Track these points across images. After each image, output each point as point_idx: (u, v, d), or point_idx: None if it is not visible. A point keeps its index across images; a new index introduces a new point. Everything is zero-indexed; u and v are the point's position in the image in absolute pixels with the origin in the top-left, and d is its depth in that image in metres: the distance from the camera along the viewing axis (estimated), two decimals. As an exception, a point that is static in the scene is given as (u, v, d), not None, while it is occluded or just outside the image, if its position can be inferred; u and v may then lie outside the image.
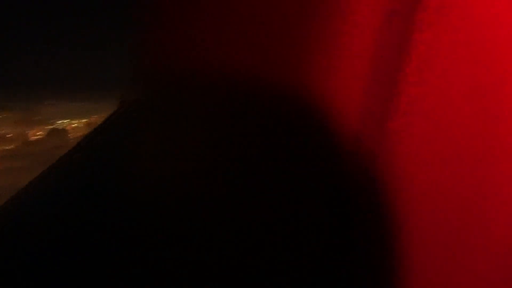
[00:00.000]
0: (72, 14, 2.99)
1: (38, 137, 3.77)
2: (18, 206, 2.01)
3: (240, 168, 1.15)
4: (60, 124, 3.72)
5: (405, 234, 1.05)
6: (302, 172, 1.07)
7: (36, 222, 1.81)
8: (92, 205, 1.83)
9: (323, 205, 1.15)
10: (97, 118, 3.20)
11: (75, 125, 3.67)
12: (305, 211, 1.11)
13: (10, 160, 3.63)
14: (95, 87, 2.96)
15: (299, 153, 1.09)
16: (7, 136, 3.74)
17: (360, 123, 1.04)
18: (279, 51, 1.01)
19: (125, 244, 1.19)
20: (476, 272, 1.12)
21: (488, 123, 1.07)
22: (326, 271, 1.08)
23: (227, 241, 1.06)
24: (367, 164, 1.01)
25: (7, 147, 3.65)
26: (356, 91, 1.08)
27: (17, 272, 1.35)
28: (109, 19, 2.87)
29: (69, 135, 3.63)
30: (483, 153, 1.08)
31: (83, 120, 3.59)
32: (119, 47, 2.93)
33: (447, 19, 1.03)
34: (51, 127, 3.73)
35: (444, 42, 1.05)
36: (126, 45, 2.92)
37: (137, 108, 2.32)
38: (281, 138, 1.11)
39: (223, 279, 1.04)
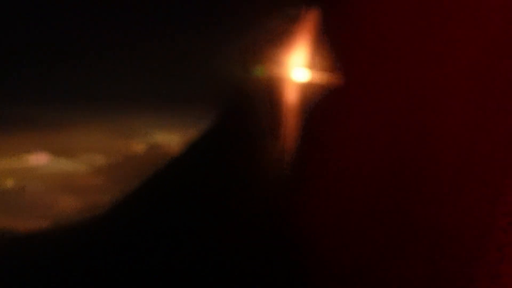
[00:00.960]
0: (167, 25, 3.21)
1: (135, 150, 3.96)
2: (122, 214, 2.29)
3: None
4: (157, 136, 3.91)
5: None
6: None
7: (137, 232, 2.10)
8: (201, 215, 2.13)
9: None
10: (191, 131, 3.40)
11: (171, 137, 3.85)
12: None
13: (109, 174, 3.82)
14: (190, 99, 3.16)
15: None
16: (105, 149, 3.96)
17: None
18: None
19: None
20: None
21: None
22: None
23: None
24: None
25: (105, 160, 3.85)
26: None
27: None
28: (208, 31, 3.07)
29: (165, 147, 3.81)
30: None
31: (178, 133, 3.78)
32: (211, 60, 3.14)
33: None
34: (148, 139, 3.92)
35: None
36: (219, 58, 3.13)
37: (234, 121, 2.57)
38: None
39: None
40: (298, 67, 3.26)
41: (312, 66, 3.22)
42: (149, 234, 2.62)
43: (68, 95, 3.56)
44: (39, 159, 3.67)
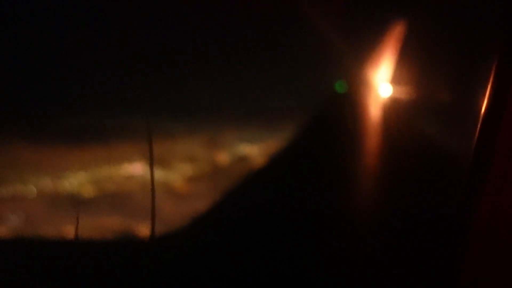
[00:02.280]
0: (257, 41, 3.34)
1: (224, 161, 4.14)
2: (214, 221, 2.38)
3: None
4: (242, 148, 4.08)
5: None
6: None
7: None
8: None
9: None
10: (273, 142, 3.54)
11: (255, 148, 4.00)
12: None
13: (198, 184, 4.02)
14: (275, 112, 3.30)
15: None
16: (195, 159, 4.17)
17: None
18: None
19: None
20: None
21: None
22: None
23: None
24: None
25: (195, 171, 4.06)
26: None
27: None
28: (294, 45, 3.19)
29: (250, 158, 3.97)
30: None
31: (263, 145, 3.93)
32: (297, 73, 3.26)
33: None
34: (233, 151, 4.09)
35: None
36: (304, 71, 3.25)
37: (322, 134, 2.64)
38: None
39: None
40: (385, 82, 3.27)
41: (399, 81, 3.22)
42: (237, 244, 2.72)
43: (164, 107, 3.79)
44: (136, 168, 3.90)
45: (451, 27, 2.90)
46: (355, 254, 2.44)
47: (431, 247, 2.64)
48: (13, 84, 3.65)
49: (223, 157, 4.59)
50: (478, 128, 2.70)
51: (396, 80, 3.08)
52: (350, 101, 3.26)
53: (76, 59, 3.70)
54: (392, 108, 3.18)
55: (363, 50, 3.17)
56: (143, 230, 3.82)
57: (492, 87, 2.43)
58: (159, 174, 4.26)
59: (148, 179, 4.18)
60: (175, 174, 4.51)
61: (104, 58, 3.67)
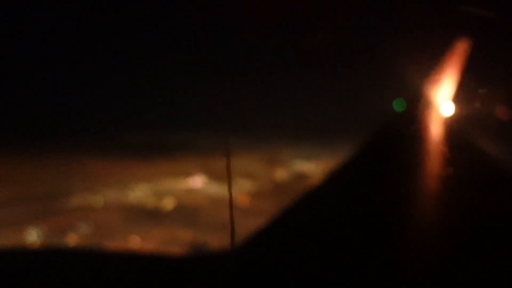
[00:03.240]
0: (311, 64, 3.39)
1: (282, 177, 4.22)
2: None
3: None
4: (299, 165, 4.15)
5: None
6: None
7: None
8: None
9: None
10: (330, 160, 3.58)
11: (312, 166, 4.07)
12: None
13: (259, 199, 4.11)
14: (329, 130, 3.37)
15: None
16: (256, 175, 4.28)
17: None
18: None
19: None
20: None
21: None
22: None
23: None
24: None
25: (256, 186, 4.15)
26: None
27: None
28: (352, 67, 3.25)
29: (308, 175, 4.03)
30: None
31: (319, 161, 3.98)
32: (355, 94, 3.30)
33: None
34: (291, 168, 4.17)
35: None
36: (362, 92, 3.25)
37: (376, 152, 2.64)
38: None
39: None
40: (444, 100, 3.20)
41: (459, 100, 3.14)
42: (297, 259, 2.65)
43: (224, 125, 3.90)
44: (197, 182, 4.02)
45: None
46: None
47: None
48: (85, 103, 3.85)
49: (282, 174, 4.60)
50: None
51: (456, 98, 3.01)
52: (409, 119, 3.18)
53: (143, 77, 3.85)
54: (452, 127, 3.08)
55: (423, 68, 3.13)
56: (206, 241, 3.86)
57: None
58: (217, 187, 4.34)
59: (209, 192, 4.21)
60: (237, 189, 4.57)
61: (169, 73, 3.81)
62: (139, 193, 4.99)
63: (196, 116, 4.02)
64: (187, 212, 4.19)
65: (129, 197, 5.33)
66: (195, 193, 4.33)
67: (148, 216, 5.10)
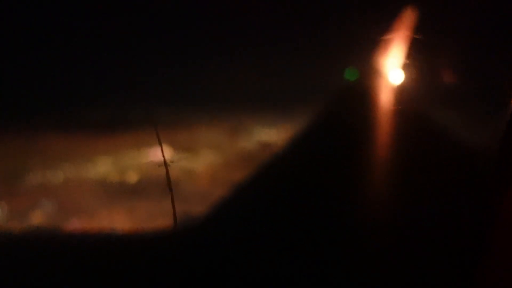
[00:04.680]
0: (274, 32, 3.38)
1: (246, 147, 4.21)
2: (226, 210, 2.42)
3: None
4: (261, 134, 4.15)
5: None
6: None
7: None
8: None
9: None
10: (290, 128, 3.60)
11: (274, 134, 4.08)
12: None
13: (225, 171, 4.07)
14: (293, 99, 3.38)
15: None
16: (222, 147, 4.24)
17: None
18: None
19: None
20: None
21: None
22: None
23: None
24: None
25: (222, 158, 4.11)
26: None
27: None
28: (310, 35, 3.25)
29: (270, 144, 4.04)
30: None
31: (280, 129, 4.00)
32: (312, 62, 3.31)
33: None
34: (254, 137, 4.16)
35: None
36: (319, 60, 3.24)
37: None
38: None
39: None
40: (394, 68, 3.26)
41: (407, 67, 3.21)
42: (260, 226, 2.75)
43: (188, 95, 3.88)
44: (161, 154, 3.99)
45: (468, 9, 2.81)
46: (368, 240, 2.44)
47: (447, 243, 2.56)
48: (44, 77, 3.76)
49: (246, 143, 4.61)
50: (506, 120, 2.54)
51: (407, 67, 3.06)
52: (361, 89, 3.25)
53: (102, 52, 3.79)
54: (403, 96, 3.15)
55: (374, 38, 3.17)
56: (167, 215, 3.88)
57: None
58: (184, 160, 4.33)
59: (175, 164, 4.19)
60: (200, 160, 4.56)
61: (130, 51, 3.77)
62: (102, 168, 4.94)
63: (157, 90, 3.98)
64: (155, 185, 4.17)
65: (92, 172, 5.27)
66: (161, 166, 4.30)
67: (113, 190, 5.05)
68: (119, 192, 4.26)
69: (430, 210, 2.53)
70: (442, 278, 2.27)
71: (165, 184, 3.73)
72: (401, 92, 3.30)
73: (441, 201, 2.57)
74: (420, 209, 2.53)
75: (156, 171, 3.91)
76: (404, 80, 3.26)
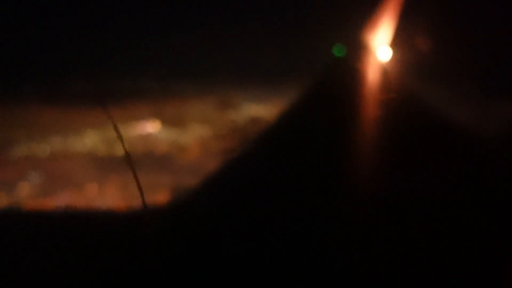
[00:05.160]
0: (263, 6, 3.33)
1: (235, 121, 4.16)
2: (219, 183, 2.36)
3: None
4: (250, 108, 4.12)
5: None
6: None
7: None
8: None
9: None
10: (279, 103, 3.58)
11: (263, 109, 4.05)
12: None
13: (215, 143, 4.02)
14: (277, 73, 3.37)
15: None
16: (209, 120, 4.20)
17: None
18: None
19: None
20: None
21: None
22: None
23: None
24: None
25: (210, 131, 4.07)
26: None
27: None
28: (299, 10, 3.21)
29: (260, 118, 4.01)
30: None
31: (269, 104, 3.97)
32: (301, 38, 3.27)
33: None
34: (243, 111, 4.13)
35: None
36: (308, 36, 3.20)
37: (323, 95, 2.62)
38: None
39: None
40: (382, 45, 3.24)
41: (397, 44, 3.19)
42: (250, 200, 2.68)
43: (178, 69, 3.85)
44: (149, 127, 3.97)
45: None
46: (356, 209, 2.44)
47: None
48: (27, 47, 3.69)
49: (235, 117, 4.60)
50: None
51: (393, 43, 3.05)
52: (349, 64, 3.24)
53: (89, 20, 3.72)
54: (390, 72, 3.14)
55: (362, 13, 3.16)
56: (157, 187, 3.86)
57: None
58: (172, 133, 4.31)
59: (163, 137, 4.16)
60: (189, 134, 4.55)
61: (116, 20, 3.71)
62: (89, 140, 4.90)
63: (144, 62, 3.93)
64: (144, 158, 4.16)
65: (79, 145, 5.23)
66: (149, 139, 4.27)
67: (102, 163, 5.02)
68: (107, 165, 4.23)
69: (420, 183, 2.55)
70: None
71: (155, 157, 3.70)
72: (389, 68, 3.29)
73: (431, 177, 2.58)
74: (410, 183, 2.55)
75: (143, 143, 3.88)
76: (392, 56, 3.25)
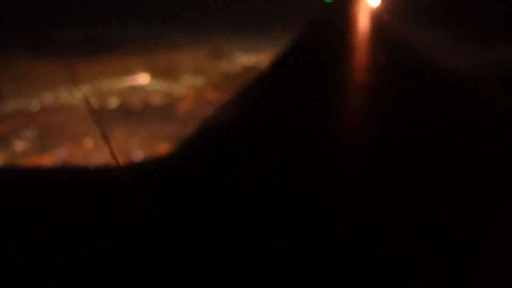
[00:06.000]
0: None
1: (228, 70, 4.13)
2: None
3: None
4: (242, 57, 4.06)
5: None
6: None
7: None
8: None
9: None
10: (271, 51, 3.53)
11: (254, 58, 4.00)
12: None
13: (210, 92, 3.98)
14: (268, 21, 3.30)
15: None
16: (202, 68, 4.15)
17: None
18: None
19: None
20: None
21: None
22: None
23: None
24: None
25: (205, 79, 4.04)
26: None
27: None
28: None
29: (252, 67, 3.96)
30: None
31: (260, 53, 3.93)
32: None
33: None
34: (236, 60, 4.07)
35: None
36: None
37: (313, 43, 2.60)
38: None
39: None
40: None
41: None
42: (244, 148, 2.67)
43: (168, 17, 3.76)
44: (141, 80, 3.93)
45: None
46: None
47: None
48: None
49: (227, 66, 4.55)
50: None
51: None
52: (339, 10, 3.17)
53: None
54: (380, 17, 3.08)
55: None
56: (152, 138, 3.84)
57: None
58: (164, 85, 4.27)
59: (153, 90, 4.13)
60: (181, 85, 4.50)
61: None
62: (82, 93, 4.84)
63: (135, 9, 3.84)
64: (137, 110, 4.12)
65: (72, 98, 5.18)
66: (141, 91, 4.23)
67: (88, 116, 4.92)
68: (100, 117, 4.21)
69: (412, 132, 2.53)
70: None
71: (146, 108, 3.67)
72: (380, 12, 3.23)
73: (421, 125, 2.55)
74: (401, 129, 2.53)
75: (136, 95, 3.85)
76: (382, 2, 3.19)
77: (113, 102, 4.52)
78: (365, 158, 2.43)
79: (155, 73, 3.96)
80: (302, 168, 2.41)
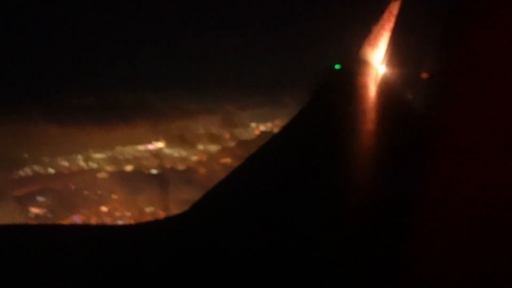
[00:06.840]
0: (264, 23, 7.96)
1: (245, 138, 9.52)
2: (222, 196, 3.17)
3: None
4: (255, 126, 8.86)
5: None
6: None
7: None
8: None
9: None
10: (282, 119, 8.24)
11: (267, 125, 8.64)
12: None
13: (223, 157, 8.38)
14: (277, 89, 8.63)
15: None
16: (218, 136, 8.99)
17: None
18: None
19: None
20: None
21: None
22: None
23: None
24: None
25: (216, 148, 9.10)
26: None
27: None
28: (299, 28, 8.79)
29: (267, 134, 7.38)
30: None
31: (273, 120, 8.49)
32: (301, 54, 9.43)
33: None
34: (248, 129, 8.96)
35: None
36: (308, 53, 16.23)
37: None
38: None
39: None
40: (378, 62, 4.35)
41: (394, 62, 4.15)
42: (260, 206, 2.69)
43: (183, 85, 12.21)
44: (157, 146, 11.12)
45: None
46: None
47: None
48: (29, 65, 13.29)
49: (240, 134, 14.39)
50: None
51: (388, 60, 4.24)
52: (347, 78, 3.81)
53: (92, 37, 14.00)
54: (384, 85, 4.08)
55: (359, 34, 4.62)
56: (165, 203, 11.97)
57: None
58: (178, 151, 13.75)
59: (171, 156, 12.28)
60: (196, 151, 14.73)
61: (121, 37, 14.81)
62: (99, 160, 9.76)
63: (149, 76, 10.06)
64: (153, 176, 7.03)
65: (85, 163, 9.19)
66: (157, 157, 8.17)
67: (103, 183, 9.28)
68: (118, 183, 9.76)
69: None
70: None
71: (162, 174, 8.93)
72: (387, 79, 3.50)
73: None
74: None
75: (151, 161, 9.67)
76: (388, 68, 3.47)
77: (129, 167, 11.49)
78: (370, 211, 2.36)
79: (168, 141, 9.70)
80: (310, 229, 2.38)
